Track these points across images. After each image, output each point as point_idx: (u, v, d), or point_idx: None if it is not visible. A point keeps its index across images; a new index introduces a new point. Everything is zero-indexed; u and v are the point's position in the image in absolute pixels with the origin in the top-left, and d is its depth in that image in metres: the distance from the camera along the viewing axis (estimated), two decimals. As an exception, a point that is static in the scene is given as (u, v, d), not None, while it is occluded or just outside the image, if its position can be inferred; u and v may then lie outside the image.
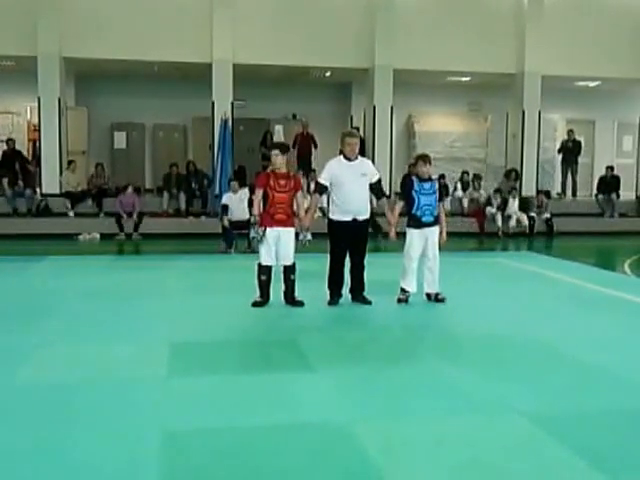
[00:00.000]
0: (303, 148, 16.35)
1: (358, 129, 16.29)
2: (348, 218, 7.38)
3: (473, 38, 16.30)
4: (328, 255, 7.56)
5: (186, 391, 4.75)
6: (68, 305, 7.49)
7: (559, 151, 18.05)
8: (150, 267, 10.46)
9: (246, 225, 11.54)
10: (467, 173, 17.13)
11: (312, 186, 12.43)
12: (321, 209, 12.06)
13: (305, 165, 15.91)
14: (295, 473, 3.53)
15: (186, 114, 17.54)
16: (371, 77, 16.17)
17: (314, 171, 15.04)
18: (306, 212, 7.61)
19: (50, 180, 15.12)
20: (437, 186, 7.66)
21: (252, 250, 10.67)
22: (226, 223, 12.04)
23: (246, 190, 12.35)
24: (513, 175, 16.68)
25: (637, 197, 17.90)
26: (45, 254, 11.43)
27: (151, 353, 5.65)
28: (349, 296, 7.64)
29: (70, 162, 15.35)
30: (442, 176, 15.94)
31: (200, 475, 3.51)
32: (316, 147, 16.40)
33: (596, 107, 19.49)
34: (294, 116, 18.40)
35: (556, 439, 3.94)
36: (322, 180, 7.52)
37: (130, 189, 14.36)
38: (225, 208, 12.19)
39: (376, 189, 7.56)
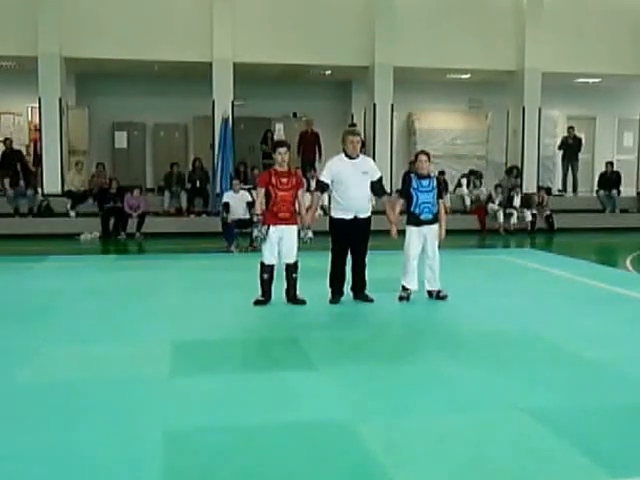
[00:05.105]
0: (307, 147, 16.29)
1: (356, 125, 16.30)
2: (349, 216, 7.39)
3: (473, 35, 16.31)
4: (329, 253, 7.58)
5: (188, 390, 4.75)
6: (70, 305, 7.50)
7: (560, 148, 18.05)
8: (152, 266, 10.47)
9: (248, 224, 11.59)
10: (473, 172, 17.05)
11: (313, 184, 12.45)
12: (322, 207, 12.07)
13: (309, 165, 15.84)
14: (297, 472, 3.53)
15: (187, 113, 17.55)
16: (371, 75, 16.17)
17: (314, 169, 15.04)
18: (307, 210, 7.62)
19: (51, 180, 15.14)
20: (436, 183, 7.66)
21: (254, 249, 10.69)
22: (229, 221, 12.06)
23: (246, 193, 12.33)
24: (514, 172, 16.68)
25: (638, 193, 17.87)
26: (46, 254, 11.44)
27: (153, 352, 5.66)
28: (351, 294, 7.65)
29: (77, 163, 15.42)
30: (442, 172, 15.96)
31: (202, 474, 3.52)
32: (320, 148, 16.29)
33: (596, 103, 19.49)
34: (294, 114, 18.41)
35: (558, 435, 3.94)
36: (323, 178, 7.52)
37: (137, 192, 14.36)
38: (226, 207, 12.21)
39: (377, 187, 7.56)
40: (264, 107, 17.67)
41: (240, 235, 12.29)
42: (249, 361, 5.59)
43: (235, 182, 12.66)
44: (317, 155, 16.25)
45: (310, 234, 7.43)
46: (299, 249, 7.46)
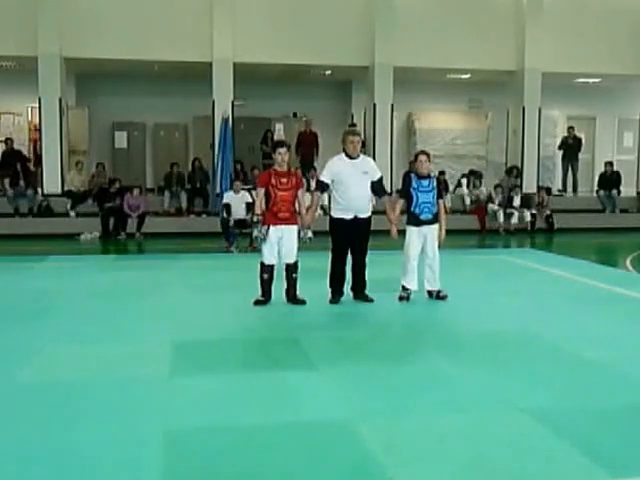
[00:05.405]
0: (306, 147, 16.28)
1: (356, 125, 16.30)
2: (349, 216, 7.39)
3: (473, 35, 16.30)
4: (329, 253, 7.58)
5: (188, 390, 4.75)
6: (70, 305, 7.51)
7: (559, 148, 18.06)
8: (152, 266, 10.47)
9: (248, 224, 11.59)
10: (473, 172, 17.04)
11: (312, 184, 12.45)
12: (322, 207, 12.06)
13: (307, 164, 15.84)
14: (297, 472, 3.53)
15: (187, 113, 17.55)
16: (371, 75, 16.17)
17: (314, 169, 15.03)
18: (307, 210, 7.62)
19: (51, 180, 15.14)
20: (436, 183, 7.66)
21: (253, 249, 10.69)
22: (232, 222, 12.05)
23: (247, 193, 12.32)
24: (514, 172, 16.68)
25: (638, 193, 17.86)
26: (46, 254, 11.44)
27: (153, 352, 5.66)
28: (351, 294, 7.65)
29: (77, 163, 15.43)
30: (442, 172, 15.97)
31: (202, 474, 3.51)
32: (318, 148, 16.30)
33: (596, 103, 19.49)
34: (294, 115, 18.41)
35: (558, 435, 3.94)
36: (323, 178, 7.52)
37: (136, 191, 14.36)
38: (227, 208, 12.20)
39: (377, 187, 7.56)
40: (264, 107, 17.67)
41: (240, 235, 12.29)
42: (249, 361, 5.59)
43: (236, 183, 12.66)
44: (315, 155, 16.25)
45: (310, 234, 7.43)
46: (299, 249, 7.46)
